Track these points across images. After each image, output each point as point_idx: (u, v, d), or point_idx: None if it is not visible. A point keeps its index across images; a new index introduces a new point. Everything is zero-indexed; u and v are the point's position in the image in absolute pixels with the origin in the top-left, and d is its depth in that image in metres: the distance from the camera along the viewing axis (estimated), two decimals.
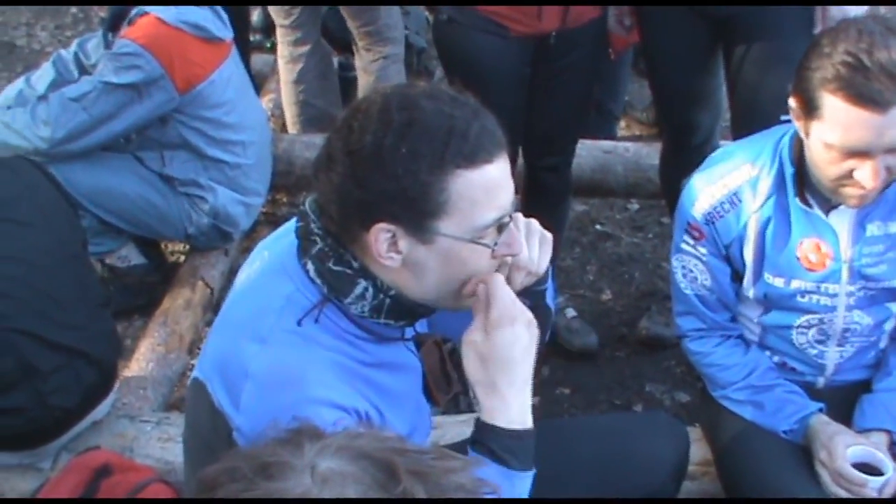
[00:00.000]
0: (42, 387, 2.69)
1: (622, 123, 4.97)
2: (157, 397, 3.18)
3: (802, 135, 2.22)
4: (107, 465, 2.21)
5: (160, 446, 2.88)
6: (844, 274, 2.36)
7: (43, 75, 3.60)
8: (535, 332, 1.74)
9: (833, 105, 2.09)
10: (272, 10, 4.49)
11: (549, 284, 1.97)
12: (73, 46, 3.71)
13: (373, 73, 4.46)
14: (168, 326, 3.47)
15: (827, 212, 2.33)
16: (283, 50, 4.52)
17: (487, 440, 1.72)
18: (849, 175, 2.16)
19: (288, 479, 1.08)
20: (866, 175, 2.13)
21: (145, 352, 3.34)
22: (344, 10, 4.48)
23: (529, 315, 1.74)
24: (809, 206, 2.32)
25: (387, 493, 1.06)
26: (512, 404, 1.72)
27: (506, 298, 1.72)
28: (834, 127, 2.10)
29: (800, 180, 2.31)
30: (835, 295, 2.38)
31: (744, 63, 3.08)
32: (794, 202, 2.33)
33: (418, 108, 1.62)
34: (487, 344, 1.71)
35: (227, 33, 3.61)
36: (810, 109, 2.14)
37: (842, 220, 2.33)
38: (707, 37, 3.15)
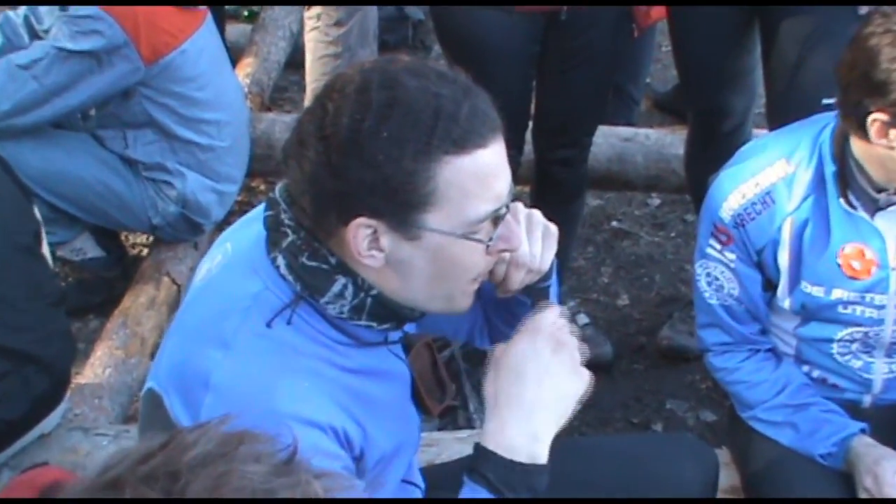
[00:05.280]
0: None
1: (642, 108, 4.97)
2: (114, 408, 3.17)
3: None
4: (57, 483, 2.18)
5: None
6: (893, 283, 2.35)
7: None
8: (567, 359, 1.72)
9: None
10: None
11: (554, 281, 1.95)
12: (23, 8, 3.66)
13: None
14: (128, 328, 3.45)
15: (873, 214, 2.32)
16: (317, 35, 4.43)
17: (482, 467, 1.68)
18: None
19: None
20: None
21: (102, 356, 3.32)
22: None
23: (566, 338, 1.74)
24: (853, 207, 2.32)
25: None
26: (512, 427, 1.68)
27: (546, 314, 1.75)
28: None
29: (842, 179, 2.31)
30: (882, 307, 2.37)
31: (782, 39, 3.06)
32: (836, 203, 2.32)
33: (401, 87, 1.59)
34: (504, 353, 1.73)
35: None
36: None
37: (890, 223, 2.32)
38: (742, 9, 3.13)
